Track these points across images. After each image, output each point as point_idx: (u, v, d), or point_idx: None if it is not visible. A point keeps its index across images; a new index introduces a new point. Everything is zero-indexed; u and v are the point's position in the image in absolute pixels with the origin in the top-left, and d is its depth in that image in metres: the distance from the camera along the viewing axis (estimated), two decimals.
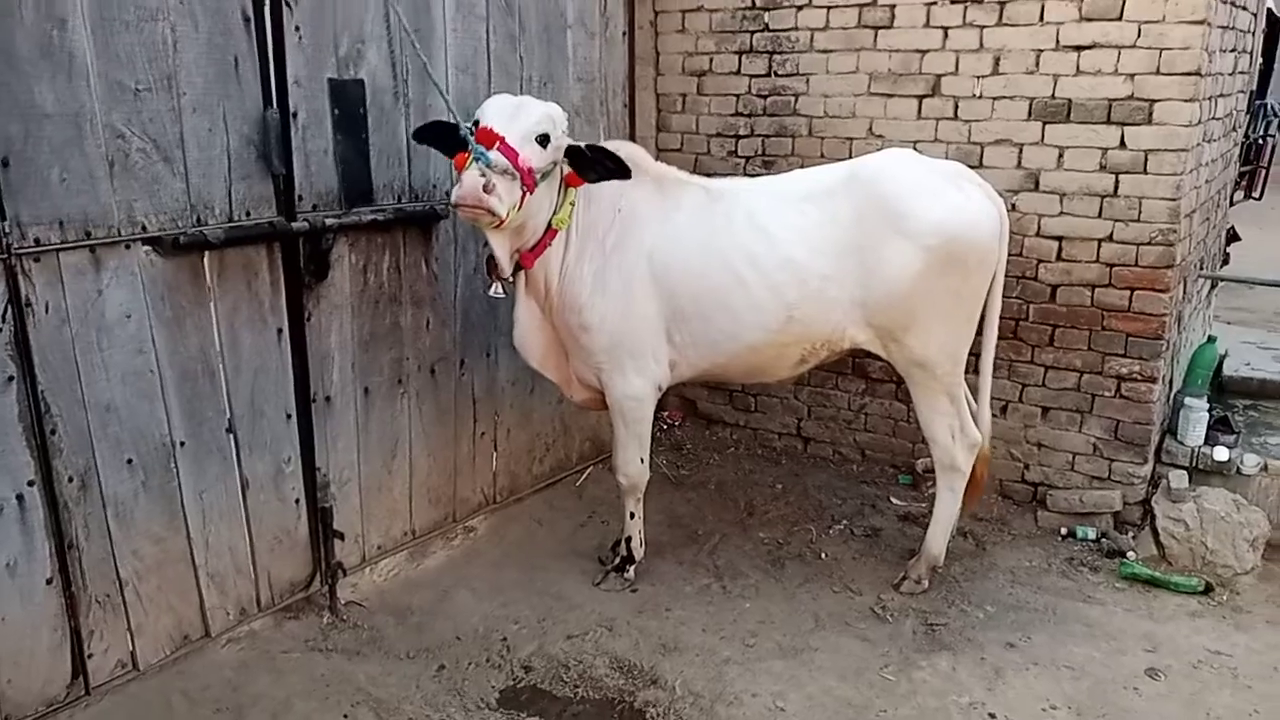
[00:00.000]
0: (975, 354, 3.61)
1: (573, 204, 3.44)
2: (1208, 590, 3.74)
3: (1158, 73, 3.81)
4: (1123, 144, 3.93)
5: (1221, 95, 4.35)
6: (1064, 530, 4.18)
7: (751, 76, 4.70)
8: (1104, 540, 4.08)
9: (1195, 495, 3.99)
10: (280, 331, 3.39)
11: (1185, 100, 3.79)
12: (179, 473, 3.16)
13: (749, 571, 3.94)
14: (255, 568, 3.48)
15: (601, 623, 3.59)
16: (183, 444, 3.16)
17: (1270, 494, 4.05)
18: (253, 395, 3.35)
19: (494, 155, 3.04)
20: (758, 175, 4.74)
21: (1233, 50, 4.41)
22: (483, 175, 3.00)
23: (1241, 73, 4.86)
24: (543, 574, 3.94)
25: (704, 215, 3.48)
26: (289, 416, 3.48)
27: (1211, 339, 4.32)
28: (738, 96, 4.76)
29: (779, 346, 3.47)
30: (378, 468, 3.85)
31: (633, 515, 3.83)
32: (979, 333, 3.57)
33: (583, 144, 3.29)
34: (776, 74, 4.63)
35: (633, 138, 4.82)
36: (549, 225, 3.40)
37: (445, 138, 3.25)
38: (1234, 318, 6.80)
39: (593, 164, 3.28)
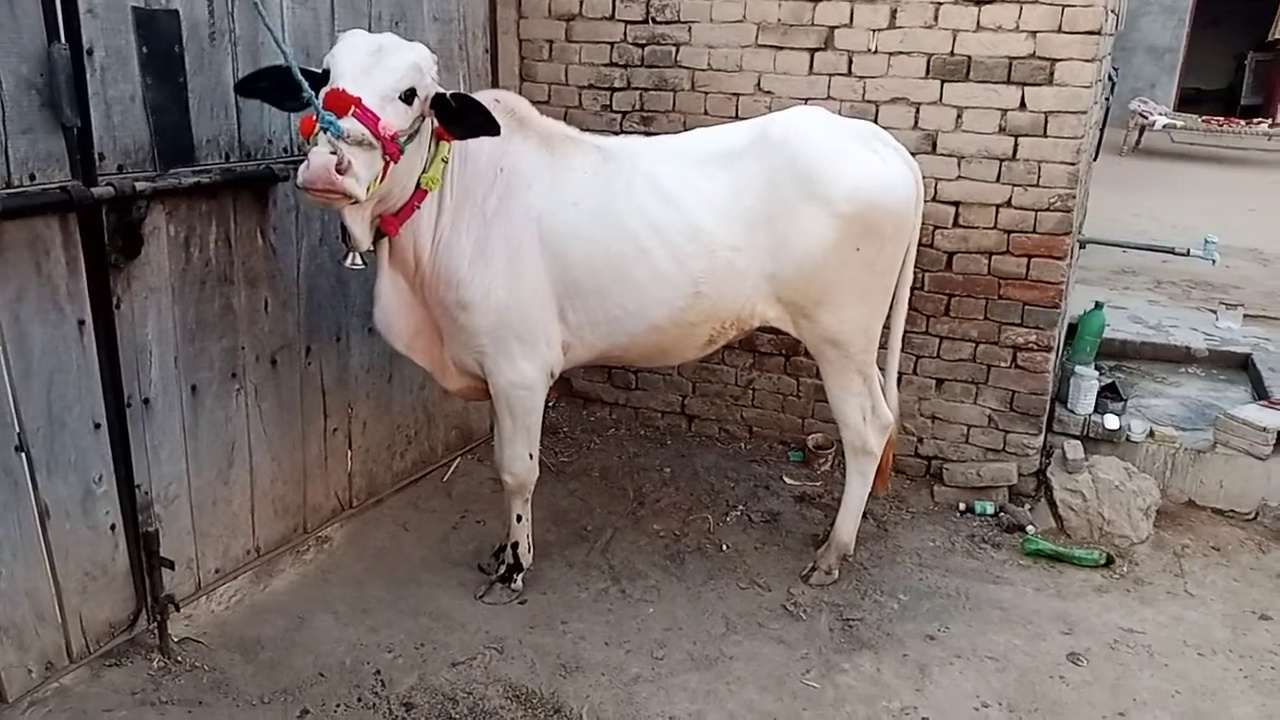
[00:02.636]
0: (885, 326, 3.37)
1: (445, 161, 2.93)
2: (1109, 563, 3.69)
3: (1060, 30, 3.64)
4: (1023, 105, 3.76)
5: (1106, 55, 4.27)
6: (962, 505, 4.05)
7: (627, 23, 4.26)
8: (1003, 515, 3.98)
9: (1089, 465, 3.94)
10: (82, 323, 2.73)
11: (1087, 60, 3.65)
12: None
13: (647, 570, 3.59)
14: (63, 611, 2.84)
15: (490, 644, 3.16)
16: None
17: (1157, 460, 4.06)
18: (49, 403, 2.69)
19: (348, 124, 2.48)
20: (636, 132, 4.33)
21: (1113, 10, 4.33)
22: (334, 152, 2.45)
23: (1110, 33, 4.82)
24: (415, 589, 3.46)
25: (600, 177, 3.06)
26: (98, 426, 2.83)
27: (1099, 305, 4.29)
28: (612, 44, 4.31)
29: (686, 325, 3.11)
30: (211, 479, 3.24)
31: (519, 518, 3.40)
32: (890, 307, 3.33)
33: (448, 93, 2.78)
34: (655, 20, 4.21)
35: (495, 87, 4.29)
36: (417, 185, 2.88)
37: (281, 89, 2.64)
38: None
39: (459, 117, 2.77)
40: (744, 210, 3.02)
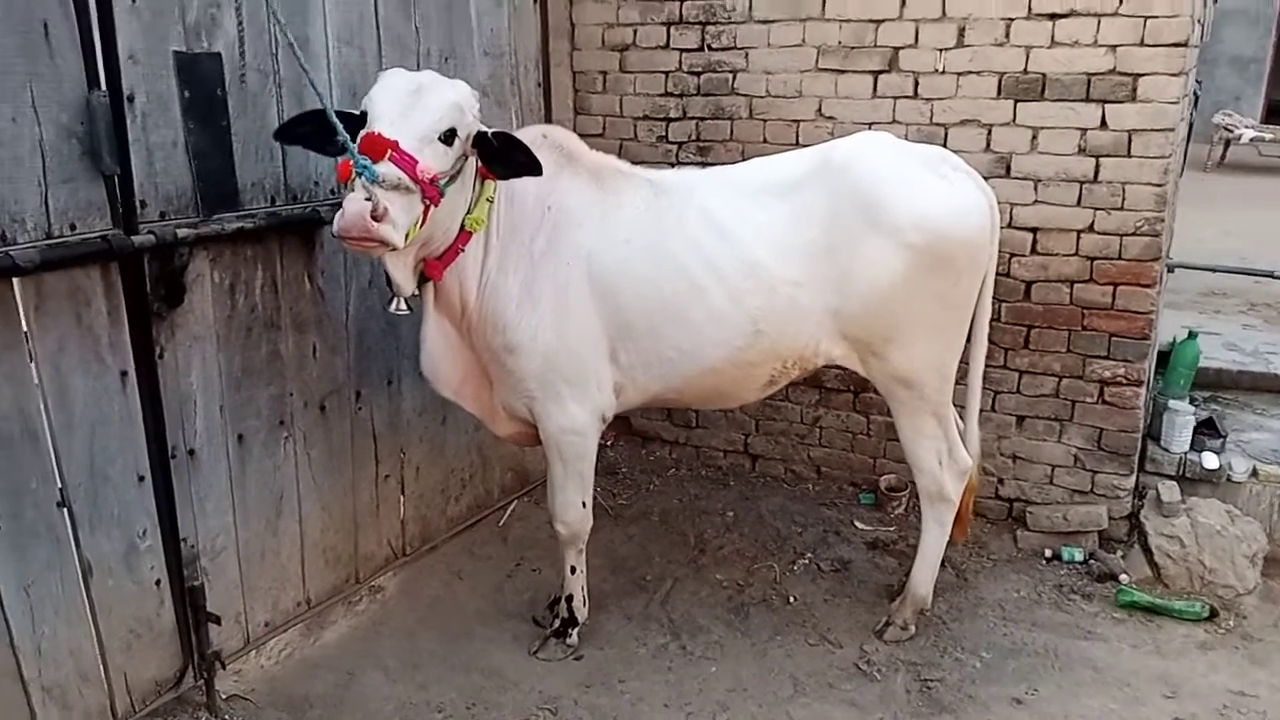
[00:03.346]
0: (963, 363, 3.15)
1: (491, 200, 2.83)
2: (1212, 615, 3.39)
3: (1142, 44, 3.41)
4: (1104, 124, 3.52)
5: (1192, 68, 4.00)
6: (1048, 552, 3.78)
7: (682, 51, 4.14)
8: (1093, 562, 3.69)
9: (1187, 508, 3.64)
10: (125, 374, 2.68)
11: (1172, 75, 3.40)
12: None
13: (710, 625, 3.40)
14: (107, 671, 2.76)
15: (544, 704, 3.01)
16: None
17: (1262, 501, 3.73)
18: (91, 457, 2.63)
19: (384, 168, 2.39)
20: (692, 163, 4.19)
21: (1199, 20, 4.07)
22: (369, 198, 2.34)
23: (1196, 44, 4.55)
24: (467, 643, 3.32)
25: (652, 213, 2.92)
26: (142, 479, 2.77)
27: (1193, 334, 3.99)
28: (667, 74, 4.19)
29: (744, 366, 2.94)
30: (260, 530, 3.16)
31: (574, 570, 3.24)
32: (967, 341, 3.11)
33: (489, 130, 2.67)
34: (710, 47, 4.08)
35: (549, 121, 4.20)
36: (461, 226, 2.78)
37: (321, 133, 2.55)
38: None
39: (501, 156, 2.66)
40: (804, 243, 2.85)
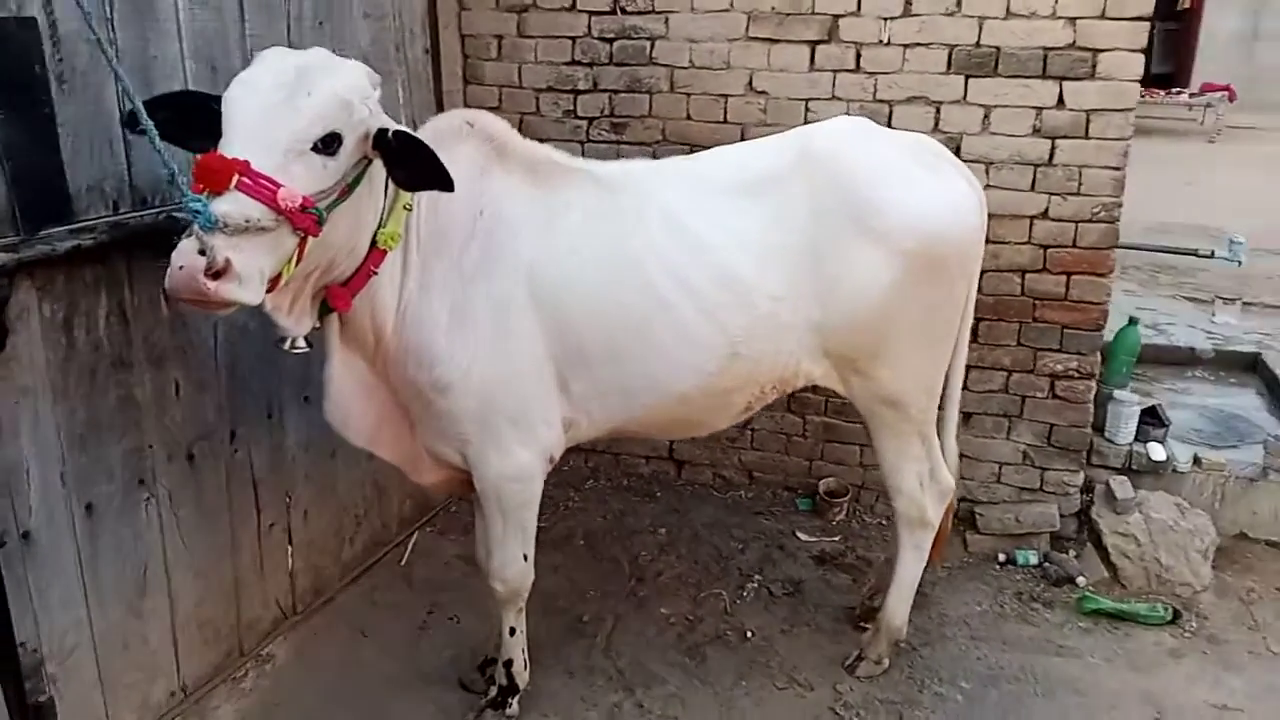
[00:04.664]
0: None
1: (409, 208, 2.28)
2: (1176, 618, 3.27)
3: (1103, 16, 3.17)
4: (1061, 102, 3.28)
5: None
6: (1001, 556, 3.59)
7: (591, 13, 3.62)
8: (1048, 565, 3.53)
9: (1138, 503, 3.52)
10: None
11: (1134, 50, 3.19)
12: None
13: (664, 672, 3.02)
14: None
15: None
16: None
17: (1205, 490, 3.65)
18: None
19: (226, 205, 1.76)
20: (604, 142, 3.73)
21: None
22: (203, 250, 1.73)
23: None
24: None
25: (603, 216, 2.44)
26: None
27: (1133, 320, 3.86)
28: (574, 40, 3.67)
29: (719, 394, 2.53)
30: (120, 616, 2.54)
31: (513, 631, 2.78)
32: None
33: (389, 129, 2.05)
34: (625, 10, 3.59)
35: (439, 94, 3.62)
36: (373, 244, 2.22)
37: (187, 120, 1.94)
38: None
39: (401, 162, 2.06)
40: (785, 250, 2.44)
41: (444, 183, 2.06)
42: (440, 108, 3.57)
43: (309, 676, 3.00)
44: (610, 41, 3.64)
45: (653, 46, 3.60)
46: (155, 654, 2.68)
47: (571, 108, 3.75)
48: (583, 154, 2.81)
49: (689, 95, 3.62)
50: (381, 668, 3.05)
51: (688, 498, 4.01)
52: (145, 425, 2.52)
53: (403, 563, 3.59)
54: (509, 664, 2.81)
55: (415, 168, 2.06)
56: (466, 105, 3.77)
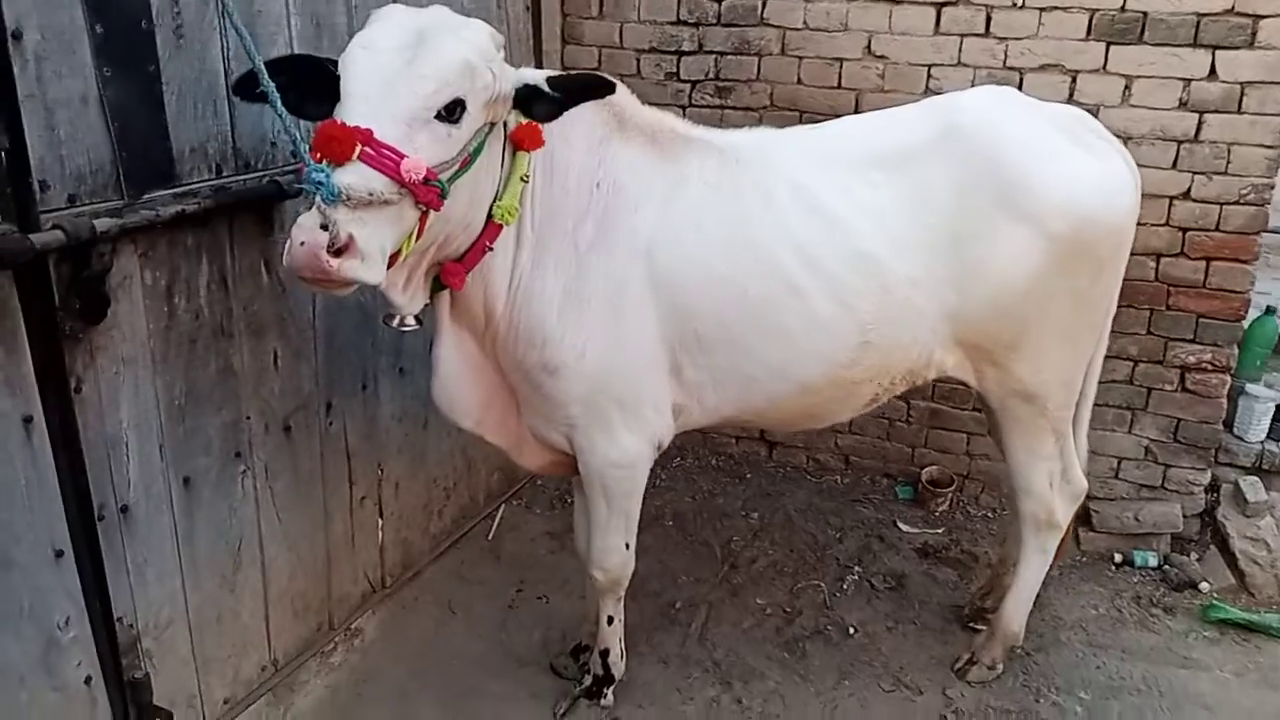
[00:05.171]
0: None
1: (526, 179, 2.13)
2: None
3: None
4: (1213, 73, 3.01)
5: None
6: (1117, 557, 3.39)
7: None
8: (1168, 568, 3.32)
9: (1270, 506, 3.29)
10: (29, 420, 1.94)
11: None
12: None
13: (762, 666, 2.90)
14: None
15: None
16: None
17: None
18: None
19: (350, 176, 1.65)
20: (708, 106, 3.54)
21: None
22: (325, 224, 1.62)
23: None
24: (475, 702, 2.75)
25: (727, 190, 2.27)
26: (60, 554, 2.05)
27: (1270, 310, 3.59)
28: None
29: (846, 385, 2.36)
30: (214, 590, 2.48)
31: (611, 620, 2.67)
32: None
33: (543, 79, 1.96)
34: None
35: (538, 53, 3.46)
36: (489, 217, 2.09)
37: (302, 87, 1.84)
38: None
39: (564, 104, 1.97)
40: (924, 230, 2.26)
41: (607, 88, 1.98)
42: (539, 68, 3.41)
43: (398, 653, 2.94)
44: (719, 1, 3.44)
45: (764, 6, 3.40)
46: (247, 628, 2.62)
47: (674, 70, 3.57)
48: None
49: (801, 58, 3.42)
50: (470, 647, 2.98)
51: (780, 480, 3.86)
52: (243, 396, 2.44)
53: (490, 537, 3.51)
54: (605, 653, 2.71)
55: (571, 98, 1.97)
56: (564, 67, 3.62)
